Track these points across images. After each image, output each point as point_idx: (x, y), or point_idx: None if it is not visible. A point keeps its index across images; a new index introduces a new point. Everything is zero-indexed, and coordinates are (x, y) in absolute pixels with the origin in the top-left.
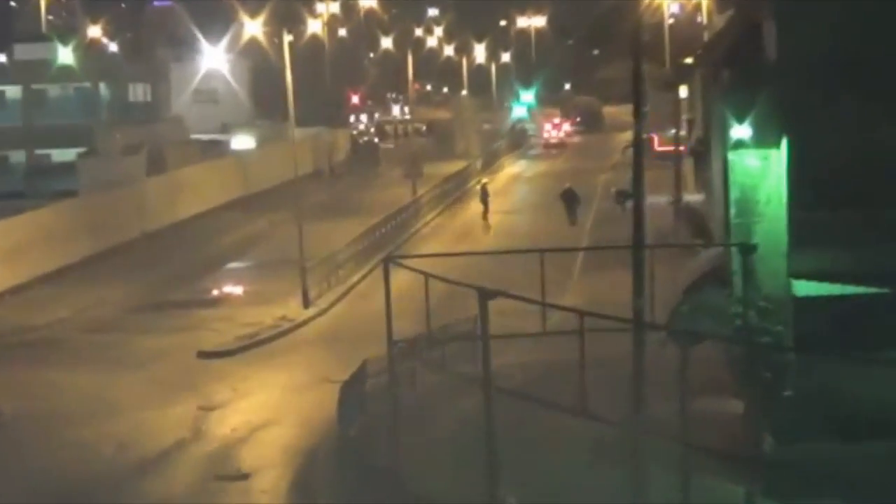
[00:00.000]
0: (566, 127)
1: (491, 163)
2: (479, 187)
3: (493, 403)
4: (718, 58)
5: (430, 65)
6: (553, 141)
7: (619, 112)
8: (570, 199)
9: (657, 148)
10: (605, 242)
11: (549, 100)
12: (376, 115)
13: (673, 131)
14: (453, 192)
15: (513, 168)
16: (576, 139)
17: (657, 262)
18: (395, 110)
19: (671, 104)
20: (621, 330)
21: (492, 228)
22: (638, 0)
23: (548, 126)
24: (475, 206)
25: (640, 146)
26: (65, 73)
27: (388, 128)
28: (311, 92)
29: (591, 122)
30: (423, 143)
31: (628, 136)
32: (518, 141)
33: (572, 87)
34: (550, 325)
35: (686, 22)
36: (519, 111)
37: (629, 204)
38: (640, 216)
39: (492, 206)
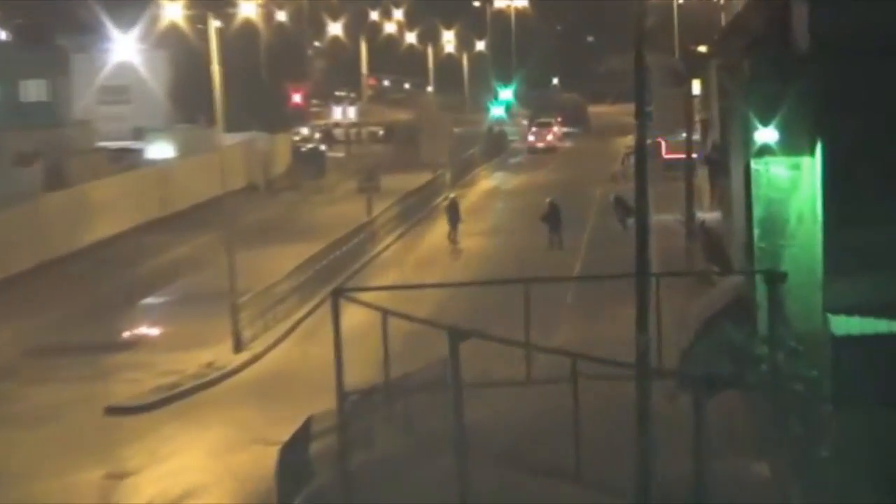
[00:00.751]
0: (556, 129)
1: (463, 174)
2: (446, 203)
3: (469, 468)
4: (738, 46)
5: (389, 56)
6: (540, 145)
7: (618, 112)
8: (553, 218)
9: (665, 155)
10: (603, 270)
11: (535, 99)
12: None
13: (684, 135)
14: (417, 210)
15: (490, 180)
16: (567, 144)
17: (665, 293)
18: (341, 112)
19: (681, 102)
20: (622, 376)
21: (463, 253)
22: None
23: (534, 128)
24: (444, 228)
25: (643, 153)
26: None
27: (338, 132)
28: (243, 90)
29: (573, 122)
30: (380, 151)
31: (630, 140)
32: (496, 147)
33: (561, 82)
34: (536, 371)
35: (699, 3)
36: (497, 111)
37: (631, 222)
38: (644, 238)
39: (465, 226)
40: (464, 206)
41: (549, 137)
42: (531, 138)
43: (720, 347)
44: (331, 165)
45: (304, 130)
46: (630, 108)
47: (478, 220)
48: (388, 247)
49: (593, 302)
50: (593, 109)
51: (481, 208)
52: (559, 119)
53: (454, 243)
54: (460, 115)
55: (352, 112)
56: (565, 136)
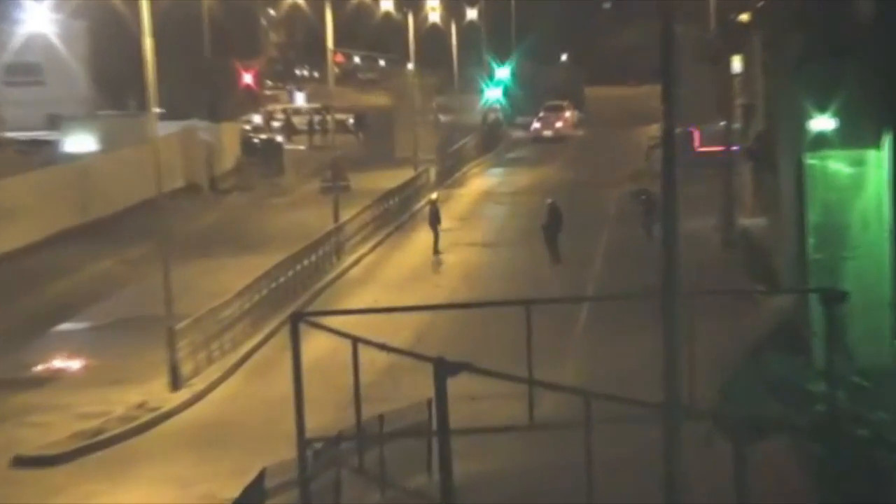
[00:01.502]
0: (568, 114)
1: (451, 171)
2: (428, 207)
3: None
4: (786, 15)
5: (360, 27)
6: (547, 133)
7: (640, 95)
8: (553, 225)
9: (699, 148)
10: (622, 288)
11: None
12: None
13: (722, 124)
14: (394, 215)
15: (483, 179)
16: (579, 132)
17: (700, 317)
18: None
19: (719, 84)
20: (647, 419)
21: (451, 269)
22: None
23: (542, 113)
24: (427, 238)
25: (672, 145)
26: None
27: (298, 120)
28: (182, 69)
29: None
30: (349, 143)
31: (656, 130)
32: (492, 138)
33: (571, 58)
34: (541, 413)
35: None
36: (492, 94)
37: (657, 230)
38: (673, 249)
39: (453, 236)
40: (452, 211)
41: (559, 125)
42: (536, 125)
43: (766, 383)
44: (289, 161)
45: (257, 118)
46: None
47: (469, 229)
48: (358, 261)
49: (610, 328)
50: (612, 92)
51: (473, 214)
52: (566, 104)
53: (436, 254)
54: (448, 100)
55: (300, 98)
56: (578, 124)
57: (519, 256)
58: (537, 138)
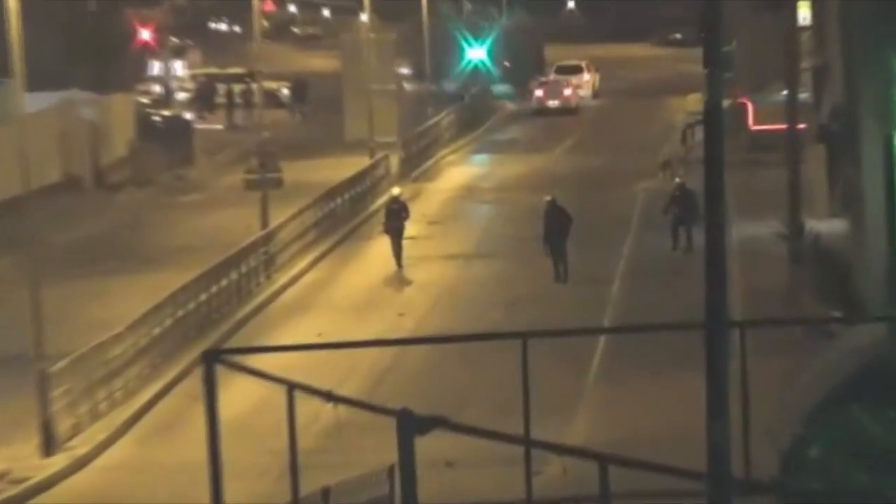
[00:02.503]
0: (586, 77)
1: (420, 159)
2: (387, 206)
3: None
4: None
5: None
6: (552, 104)
7: (673, 57)
8: (555, 230)
9: (753, 126)
10: (650, 317)
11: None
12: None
13: (784, 93)
14: (344, 218)
15: (463, 169)
16: (594, 103)
17: (756, 355)
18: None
19: (780, 39)
20: (684, 493)
21: (416, 287)
22: None
23: (553, 76)
24: (387, 247)
25: (717, 123)
26: None
27: (217, 90)
28: (58, 21)
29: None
30: (283, 122)
31: (696, 101)
32: (475, 113)
33: (579, 7)
34: (542, 483)
35: None
36: (475, 53)
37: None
38: (719, 264)
39: (423, 246)
40: (422, 212)
41: (568, 92)
42: (538, 93)
43: (846, 444)
44: (203, 144)
45: (158, 88)
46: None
47: (444, 237)
48: (296, 279)
49: (634, 370)
50: (636, 52)
51: (449, 217)
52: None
53: (399, 266)
54: (414, 61)
55: (178, 67)
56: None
57: (511, 273)
58: (540, 110)
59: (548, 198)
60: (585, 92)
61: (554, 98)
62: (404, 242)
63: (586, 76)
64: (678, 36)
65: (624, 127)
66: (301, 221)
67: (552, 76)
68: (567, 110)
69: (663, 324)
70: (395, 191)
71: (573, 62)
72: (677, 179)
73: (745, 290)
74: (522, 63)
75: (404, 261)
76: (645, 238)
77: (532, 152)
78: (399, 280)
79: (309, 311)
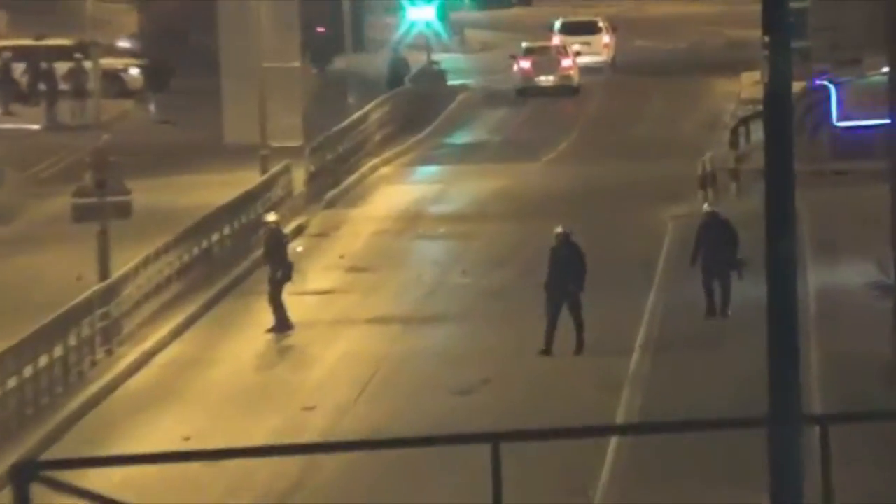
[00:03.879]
0: (606, 39)
1: (338, 171)
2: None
3: None
4: None
5: None
6: (544, 81)
7: (720, 17)
8: (562, 275)
9: (838, 121)
10: (681, 406)
11: None
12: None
13: (884, 71)
14: (222, 265)
15: (403, 186)
16: (601, 78)
17: (843, 462)
18: None
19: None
20: None
21: (330, 364)
22: None
23: (533, 43)
24: (293, 303)
25: (785, 114)
26: None
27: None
28: None
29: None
30: (132, 117)
31: (752, 82)
32: (422, 103)
33: None
34: None
35: None
36: (421, 14)
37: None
38: (786, 328)
39: (334, 302)
40: (339, 252)
41: (566, 63)
42: (523, 65)
43: None
44: (9, 153)
45: None
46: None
47: (374, 291)
48: (151, 355)
49: (666, 483)
50: (655, 9)
51: (382, 260)
52: (601, 22)
53: (279, 331)
54: (326, 23)
55: None
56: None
57: (475, 343)
58: (526, 90)
59: (558, 230)
60: (604, 58)
61: (547, 72)
62: (312, 299)
63: (606, 38)
64: None
65: (646, 121)
66: (158, 269)
67: (554, 39)
68: (565, 90)
69: (704, 420)
70: (272, 217)
71: (586, 18)
72: (706, 207)
73: (826, 366)
74: None
75: (288, 328)
76: (676, 289)
77: (508, 160)
78: (302, 355)
79: (171, 402)
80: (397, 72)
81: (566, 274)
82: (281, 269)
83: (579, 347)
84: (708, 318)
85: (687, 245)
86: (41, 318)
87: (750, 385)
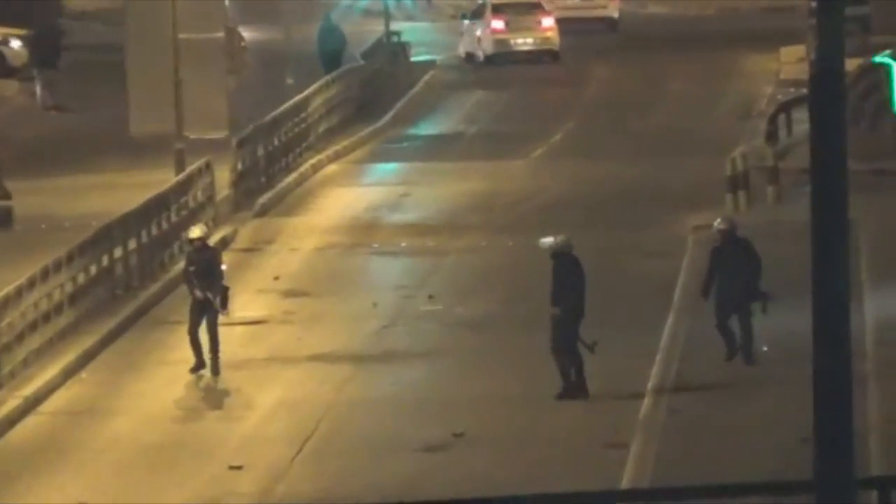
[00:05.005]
0: None
1: (273, 170)
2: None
3: None
4: None
5: None
6: (522, 44)
7: None
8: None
9: None
10: (705, 465)
11: None
12: None
13: None
14: (132, 284)
15: (354, 189)
16: (605, 44)
17: None
18: None
19: None
20: None
21: (264, 415)
22: None
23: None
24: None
25: (835, 100)
26: None
27: None
28: None
29: None
30: (13, 103)
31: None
32: (378, 85)
33: None
34: None
35: None
36: None
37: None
38: (837, 371)
39: (266, 336)
40: (275, 271)
41: (547, 23)
42: (495, 25)
43: None
44: None
45: None
46: None
47: (317, 321)
48: (35, 403)
49: None
50: None
51: (327, 282)
52: None
53: (203, 371)
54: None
55: None
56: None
57: (446, 387)
58: (496, 56)
59: (553, 242)
60: (610, 12)
61: (524, 33)
62: (241, 330)
63: None
64: None
65: (661, 107)
66: (47, 292)
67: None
68: (544, 55)
69: (738, 484)
70: (197, 231)
71: None
72: (717, 223)
73: (887, 417)
74: None
75: (214, 364)
76: (697, 318)
77: (487, 156)
78: (228, 402)
79: (63, 459)
80: (329, 46)
81: (568, 290)
82: (217, 296)
83: (582, 394)
84: (729, 360)
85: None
86: None
87: (790, 439)
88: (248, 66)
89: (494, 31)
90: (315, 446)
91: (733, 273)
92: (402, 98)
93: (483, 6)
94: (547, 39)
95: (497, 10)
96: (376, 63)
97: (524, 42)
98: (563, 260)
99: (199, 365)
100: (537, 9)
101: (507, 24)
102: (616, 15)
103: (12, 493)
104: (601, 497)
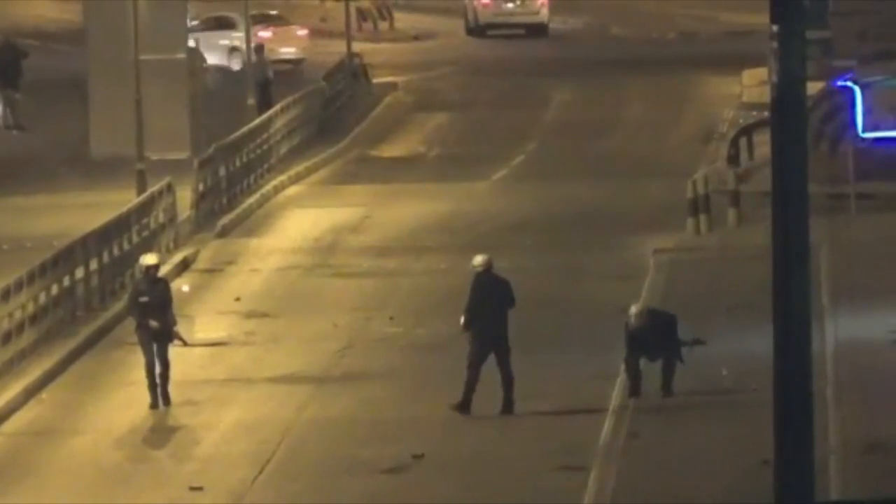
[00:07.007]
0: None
1: (235, 191)
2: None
3: None
4: None
5: None
6: (514, 17)
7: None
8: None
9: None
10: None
11: None
12: None
13: None
14: (88, 309)
15: (316, 211)
16: (565, 66)
17: None
18: None
19: None
20: None
21: (223, 437)
22: None
23: None
24: (177, 366)
25: (796, 122)
26: None
27: None
28: None
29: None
30: None
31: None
32: (340, 105)
33: None
34: None
35: None
36: None
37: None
38: (798, 393)
39: (228, 358)
40: (236, 292)
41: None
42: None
43: None
44: None
45: None
46: None
47: (278, 343)
48: None
49: None
50: None
51: (288, 304)
52: None
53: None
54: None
55: None
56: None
57: (405, 409)
58: (485, 26)
59: (477, 261)
60: (541, 18)
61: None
62: (201, 352)
63: None
64: None
65: (622, 129)
66: (7, 313)
67: None
68: (533, 29)
69: None
70: (149, 259)
71: None
72: (632, 311)
73: (846, 442)
74: None
75: (195, 383)
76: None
77: (449, 178)
78: (188, 422)
79: (22, 480)
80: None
81: (490, 310)
82: (175, 327)
83: (508, 405)
84: (632, 397)
85: (676, 289)
86: None
87: (750, 461)
88: (208, 88)
89: (485, 5)
90: (275, 467)
91: (655, 344)
92: (363, 120)
93: None
94: (537, 13)
95: None
96: (338, 84)
97: (513, 6)
98: (501, 282)
99: (156, 403)
100: None
101: None
102: (546, 21)
103: None
104: None
